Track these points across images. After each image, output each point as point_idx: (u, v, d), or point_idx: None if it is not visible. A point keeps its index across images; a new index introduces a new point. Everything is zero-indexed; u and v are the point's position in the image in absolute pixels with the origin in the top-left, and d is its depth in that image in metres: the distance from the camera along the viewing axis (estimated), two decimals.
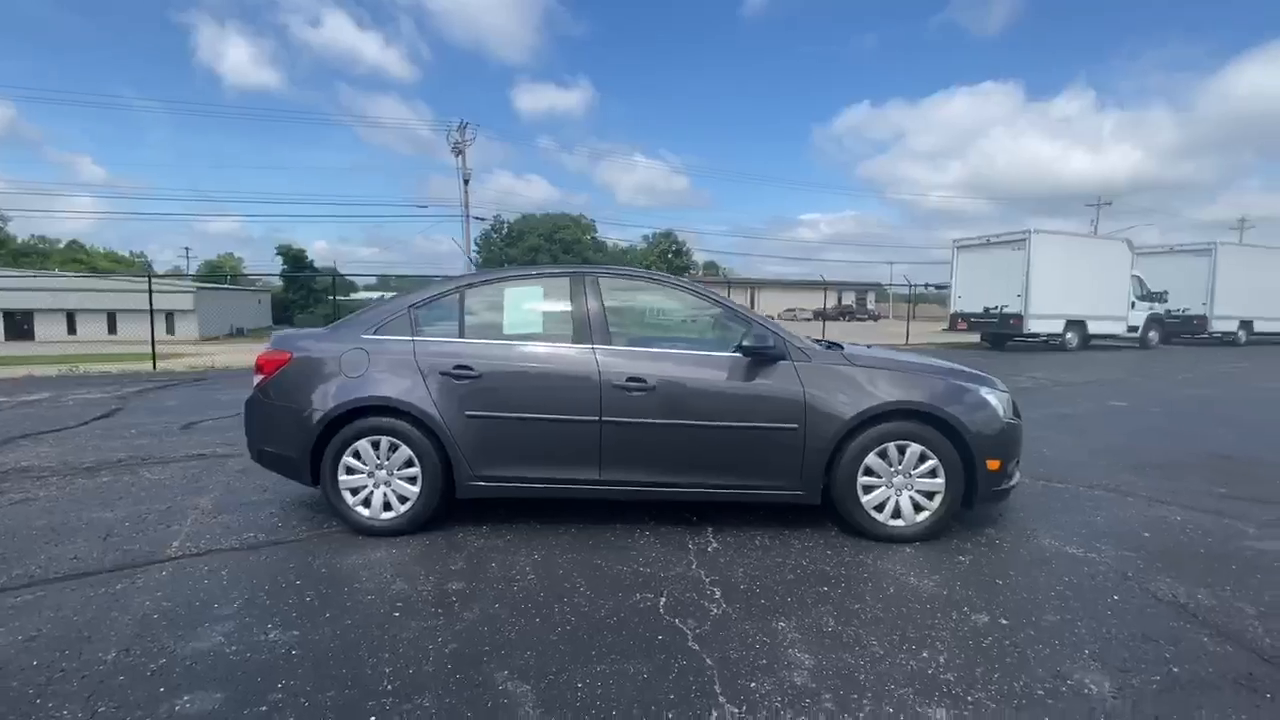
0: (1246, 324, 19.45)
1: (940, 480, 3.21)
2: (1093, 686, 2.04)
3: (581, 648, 2.27)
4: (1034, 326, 16.25)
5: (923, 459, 3.22)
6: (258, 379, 3.51)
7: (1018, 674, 2.11)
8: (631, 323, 3.56)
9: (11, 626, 2.40)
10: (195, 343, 32.34)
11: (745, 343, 3.22)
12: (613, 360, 3.26)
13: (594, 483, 3.29)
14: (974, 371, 3.51)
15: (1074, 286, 16.28)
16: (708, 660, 2.19)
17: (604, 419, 3.22)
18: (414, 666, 2.15)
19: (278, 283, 54.90)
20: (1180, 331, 19.43)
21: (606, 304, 3.40)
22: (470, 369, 3.26)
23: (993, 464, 3.23)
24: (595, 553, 3.13)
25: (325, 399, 3.29)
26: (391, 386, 3.27)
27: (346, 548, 3.18)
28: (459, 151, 32.83)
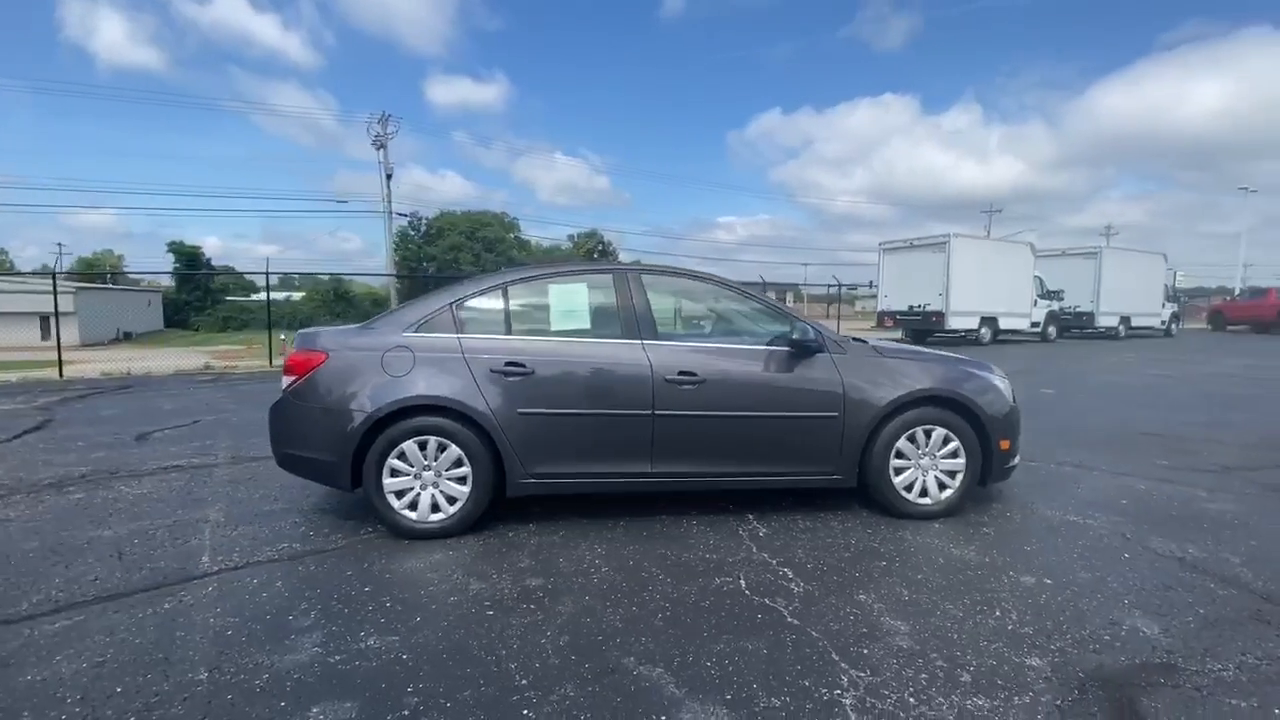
0: (1125, 319, 21.96)
1: (961, 460, 3.52)
2: (1145, 629, 2.35)
3: (690, 630, 2.35)
4: (954, 323, 17.61)
5: (946, 441, 3.51)
6: (288, 380, 3.32)
7: (1082, 624, 2.39)
8: (673, 318, 3.65)
9: (68, 654, 2.18)
10: (77, 349, 28.92)
11: (794, 336, 3.40)
12: (663, 355, 3.34)
13: (646, 475, 3.36)
14: (977, 360, 3.86)
15: (987, 286, 17.78)
16: (813, 633, 2.33)
17: (656, 412, 3.29)
18: (537, 660, 2.16)
19: (166, 281, 50.14)
20: (1072, 326, 21.65)
21: (650, 300, 3.48)
22: (523, 366, 3.24)
23: (1004, 444, 3.57)
24: (654, 543, 3.20)
25: (369, 399, 3.16)
26: (442, 385, 3.19)
27: (398, 552, 3.08)
28: (381, 145, 31.36)
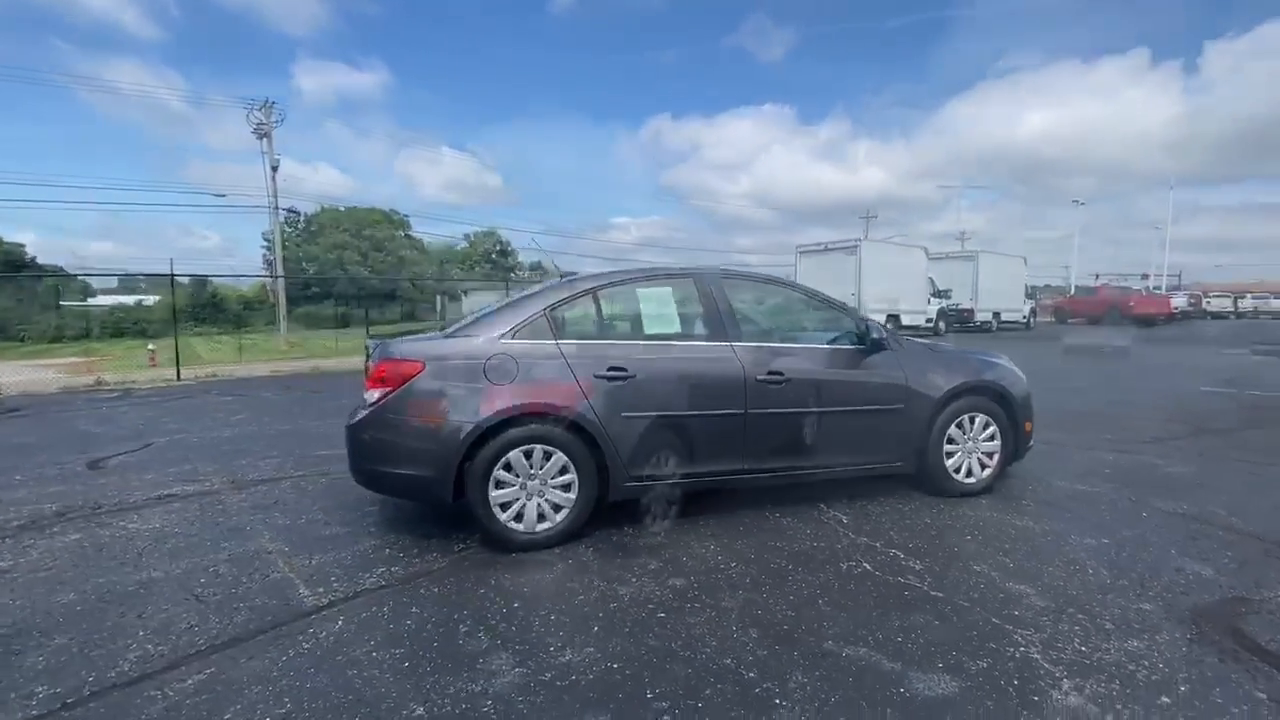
0: (996, 314, 24.99)
1: (997, 443, 3.97)
2: (1202, 572, 2.84)
3: (859, 612, 2.52)
4: None
5: (985, 426, 3.95)
6: (378, 393, 3.10)
7: (1157, 572, 2.84)
8: (751, 320, 3.81)
9: (237, 710, 1.95)
10: None
11: (865, 334, 3.67)
12: (751, 356, 3.48)
13: (737, 472, 3.49)
14: (993, 352, 4.36)
15: (891, 285, 19.53)
16: (963, 602, 2.59)
17: (749, 410, 3.43)
18: (747, 653, 2.23)
19: None
20: (955, 321, 24.29)
21: (732, 303, 3.61)
22: (624, 369, 3.25)
23: (1028, 425, 4.08)
24: (757, 537, 3.33)
25: (476, 409, 3.03)
26: (550, 392, 3.13)
27: (515, 566, 2.99)
28: (264, 134, 28.73)
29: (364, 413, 3.14)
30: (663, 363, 3.36)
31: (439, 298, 41.51)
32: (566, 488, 3.19)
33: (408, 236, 57.71)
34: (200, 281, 42.29)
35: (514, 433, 3.09)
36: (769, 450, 3.53)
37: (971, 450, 3.94)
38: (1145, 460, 4.81)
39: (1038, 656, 2.19)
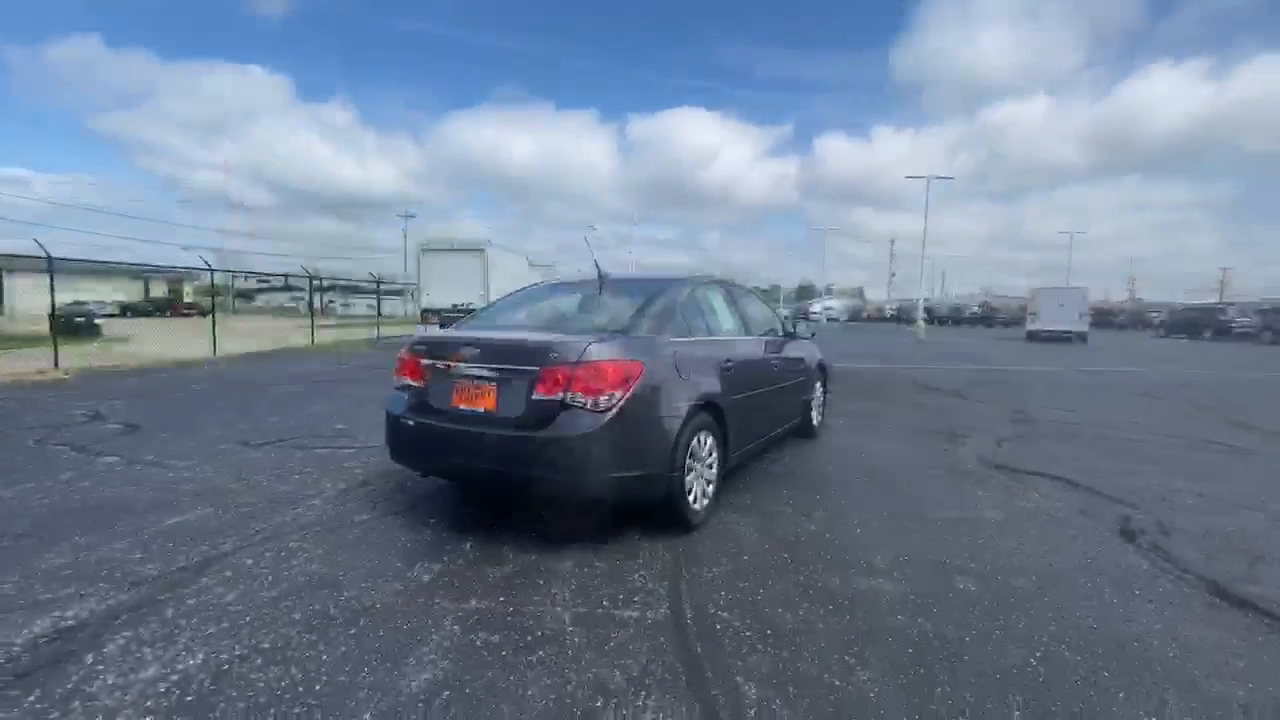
0: None
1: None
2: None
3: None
4: None
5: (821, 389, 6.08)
6: (614, 394, 2.92)
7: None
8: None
9: None
10: None
11: (787, 329, 5.26)
12: (764, 345, 4.61)
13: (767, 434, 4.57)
14: None
15: (509, 287, 21.21)
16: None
17: (769, 388, 4.55)
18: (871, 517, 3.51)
19: None
20: None
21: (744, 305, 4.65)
22: (730, 360, 3.90)
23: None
24: (801, 480, 4.48)
25: (681, 403, 3.26)
26: (711, 383, 3.55)
27: (700, 545, 3.24)
28: None
29: (598, 418, 2.92)
30: (740, 353, 4.14)
31: None
32: (711, 466, 3.65)
33: None
34: None
35: (698, 419, 3.40)
36: (775, 417, 4.71)
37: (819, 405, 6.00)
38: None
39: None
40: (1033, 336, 25.66)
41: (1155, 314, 41.20)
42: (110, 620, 2.40)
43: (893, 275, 65.84)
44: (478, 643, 2.28)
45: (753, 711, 1.93)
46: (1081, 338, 24.91)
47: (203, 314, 43.67)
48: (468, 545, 3.16)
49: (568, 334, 3.34)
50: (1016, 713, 1.94)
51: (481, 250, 19.79)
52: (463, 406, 3.25)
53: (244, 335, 19.37)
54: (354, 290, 55.87)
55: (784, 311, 5.84)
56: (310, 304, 23.55)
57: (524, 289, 4.83)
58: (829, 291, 58.41)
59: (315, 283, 26.01)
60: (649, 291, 3.81)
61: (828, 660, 2.21)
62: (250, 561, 2.91)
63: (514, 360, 3.15)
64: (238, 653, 2.19)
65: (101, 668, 2.10)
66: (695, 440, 3.41)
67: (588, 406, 2.98)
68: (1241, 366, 15.08)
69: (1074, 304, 25.38)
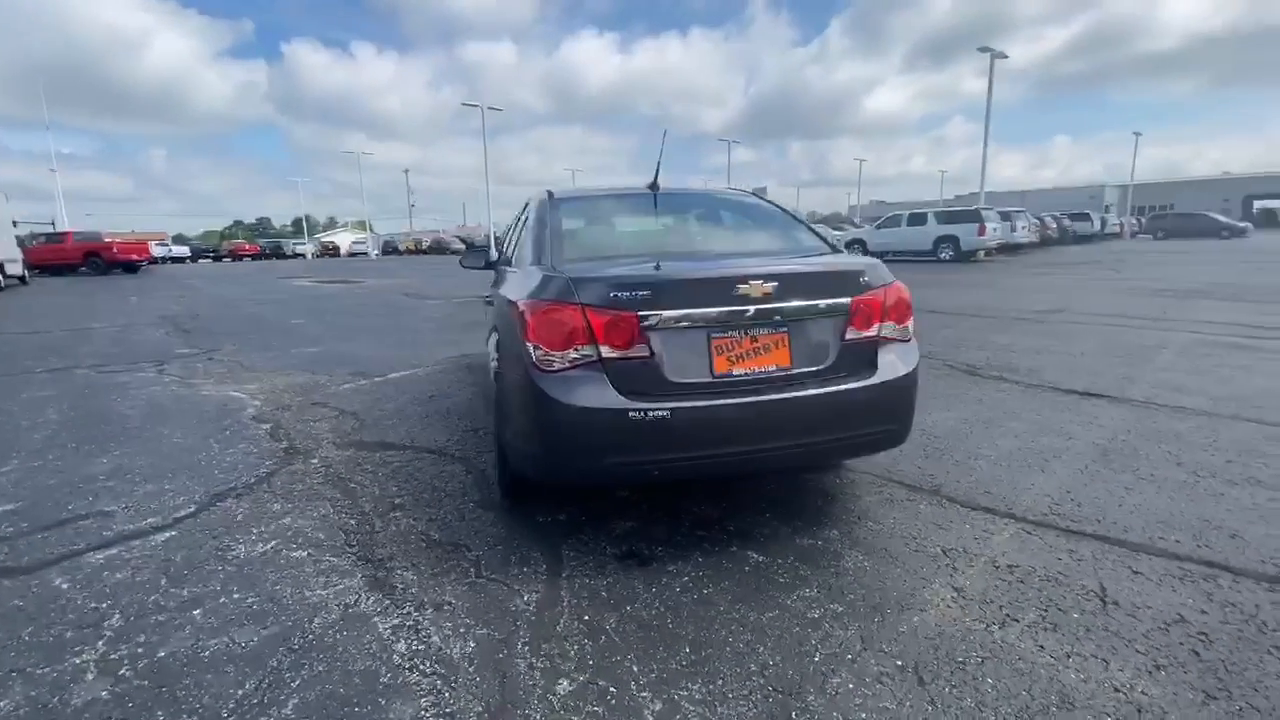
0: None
1: None
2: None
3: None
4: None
5: None
6: (911, 322, 2.66)
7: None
8: None
9: None
10: None
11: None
12: None
13: None
14: None
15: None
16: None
17: None
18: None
19: None
20: None
21: None
22: None
23: None
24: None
25: None
26: None
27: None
28: None
29: (909, 351, 2.57)
30: None
31: None
32: None
33: None
34: None
35: None
36: None
37: None
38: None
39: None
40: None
41: None
42: None
43: (412, 206, 69.15)
44: None
45: None
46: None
47: None
48: None
49: (794, 255, 2.88)
50: None
51: None
52: (738, 370, 2.28)
53: None
54: None
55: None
56: None
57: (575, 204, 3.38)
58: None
59: None
60: (748, 208, 3.54)
61: None
62: None
63: (817, 293, 2.38)
64: None
65: None
66: None
67: (899, 339, 2.53)
68: None
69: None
